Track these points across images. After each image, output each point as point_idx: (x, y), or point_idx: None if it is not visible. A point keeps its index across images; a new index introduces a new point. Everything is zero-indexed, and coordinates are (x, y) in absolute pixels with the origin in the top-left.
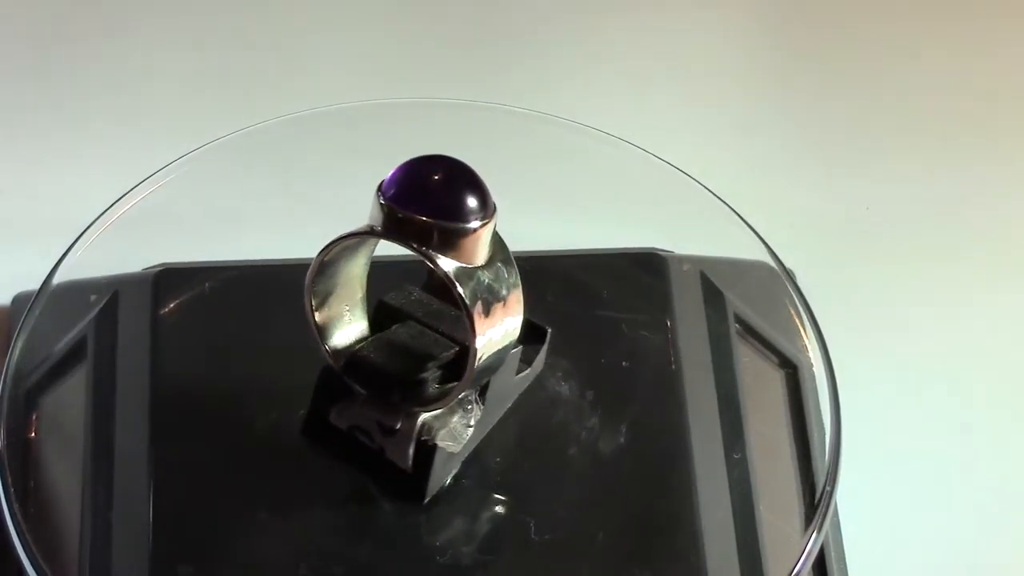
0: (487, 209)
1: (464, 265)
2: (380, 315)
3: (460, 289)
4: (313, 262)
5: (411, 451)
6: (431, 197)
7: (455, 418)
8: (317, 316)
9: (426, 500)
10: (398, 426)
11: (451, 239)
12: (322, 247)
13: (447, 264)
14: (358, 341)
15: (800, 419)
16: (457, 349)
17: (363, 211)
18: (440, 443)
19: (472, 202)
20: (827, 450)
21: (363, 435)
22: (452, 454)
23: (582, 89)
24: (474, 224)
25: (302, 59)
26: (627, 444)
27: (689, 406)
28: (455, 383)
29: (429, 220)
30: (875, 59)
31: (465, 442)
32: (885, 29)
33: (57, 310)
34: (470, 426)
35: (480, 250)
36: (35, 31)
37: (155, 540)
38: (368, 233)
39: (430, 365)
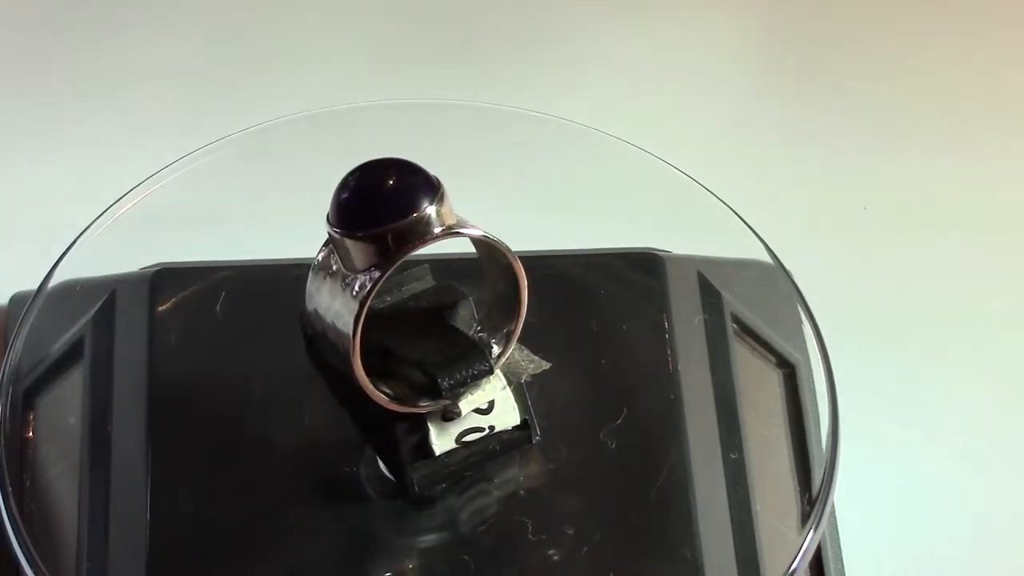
0: (435, 181)
1: (461, 220)
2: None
3: (480, 233)
4: (356, 340)
5: (515, 404)
6: (400, 201)
7: (512, 354)
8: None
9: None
10: (495, 398)
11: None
12: (356, 321)
13: (454, 228)
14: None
15: (798, 419)
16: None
17: None
18: (533, 374)
19: (427, 181)
20: (824, 448)
21: (472, 432)
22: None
23: (580, 89)
24: (436, 203)
25: (302, 59)
26: (624, 444)
27: (686, 406)
28: (482, 334)
29: (415, 216)
30: (873, 59)
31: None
32: (883, 29)
33: (55, 310)
34: (522, 346)
35: (452, 207)
36: (35, 31)
37: (152, 539)
38: (379, 279)
39: (472, 333)
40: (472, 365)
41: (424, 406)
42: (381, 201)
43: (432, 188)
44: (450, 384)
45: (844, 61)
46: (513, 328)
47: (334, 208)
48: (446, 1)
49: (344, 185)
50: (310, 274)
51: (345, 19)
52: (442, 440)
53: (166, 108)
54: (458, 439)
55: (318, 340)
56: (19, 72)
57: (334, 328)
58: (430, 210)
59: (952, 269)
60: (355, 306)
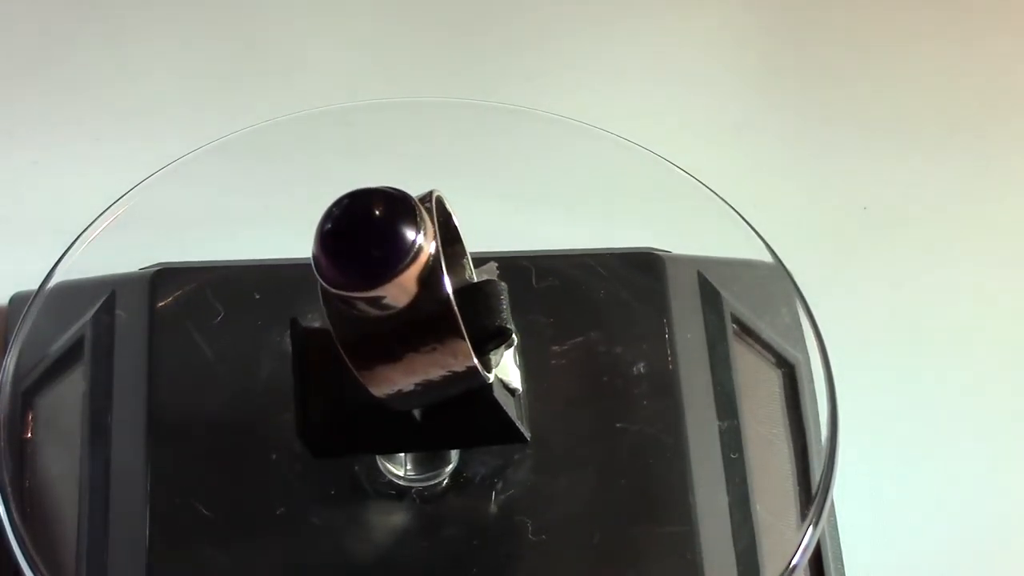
0: (415, 211)
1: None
2: None
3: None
4: (465, 339)
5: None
6: (397, 243)
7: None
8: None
9: None
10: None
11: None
12: (455, 324)
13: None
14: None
15: (797, 419)
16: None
17: None
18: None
19: (408, 226)
20: (823, 445)
21: (515, 353)
22: None
23: (580, 87)
24: (422, 220)
25: (302, 59)
26: (624, 443)
27: (686, 406)
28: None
29: (417, 239)
30: (873, 59)
31: None
32: (883, 29)
33: (55, 310)
34: None
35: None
36: (35, 31)
37: (151, 539)
38: (449, 291)
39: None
40: (500, 295)
41: (496, 356)
42: (387, 246)
43: (412, 208)
44: (508, 320)
45: (845, 61)
46: (462, 251)
47: (343, 272)
48: (447, 0)
49: (339, 242)
50: (350, 355)
51: (344, 18)
52: (512, 375)
53: (166, 108)
54: (516, 365)
55: (397, 401)
56: (19, 72)
57: (434, 352)
58: (420, 237)
59: (952, 269)
60: (449, 319)
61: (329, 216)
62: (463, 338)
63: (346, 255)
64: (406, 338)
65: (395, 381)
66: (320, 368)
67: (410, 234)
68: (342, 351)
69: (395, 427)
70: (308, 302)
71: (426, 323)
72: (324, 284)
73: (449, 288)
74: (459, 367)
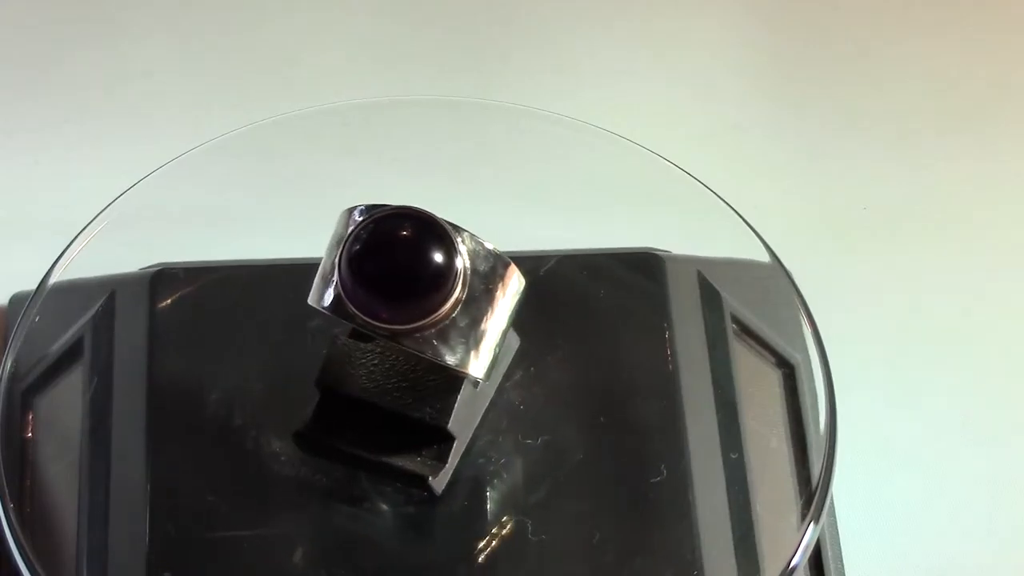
0: (446, 237)
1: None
2: None
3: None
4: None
5: None
6: (436, 265)
7: None
8: None
9: None
10: None
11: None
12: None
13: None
14: None
15: (797, 419)
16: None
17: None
18: None
19: (438, 256)
20: (823, 444)
21: None
22: None
23: (580, 86)
24: (454, 245)
25: (302, 59)
26: (624, 443)
27: (686, 406)
28: None
29: (455, 262)
30: (872, 58)
31: None
32: (881, 28)
33: (54, 310)
34: None
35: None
36: (34, 31)
37: (151, 540)
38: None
39: None
40: (447, 227)
41: None
42: (431, 278)
43: (443, 232)
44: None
45: (845, 60)
46: None
47: (401, 312)
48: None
49: (389, 285)
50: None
51: (343, 16)
52: None
53: (164, 108)
54: None
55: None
56: (19, 72)
57: (503, 296)
58: (459, 261)
59: (951, 269)
60: (500, 260)
61: (358, 257)
62: (510, 262)
63: (400, 296)
64: (479, 309)
65: (492, 349)
66: (365, 438)
67: (443, 251)
68: (446, 364)
69: (471, 410)
70: (307, 302)
71: (484, 284)
72: (389, 327)
73: (490, 244)
74: (516, 289)
